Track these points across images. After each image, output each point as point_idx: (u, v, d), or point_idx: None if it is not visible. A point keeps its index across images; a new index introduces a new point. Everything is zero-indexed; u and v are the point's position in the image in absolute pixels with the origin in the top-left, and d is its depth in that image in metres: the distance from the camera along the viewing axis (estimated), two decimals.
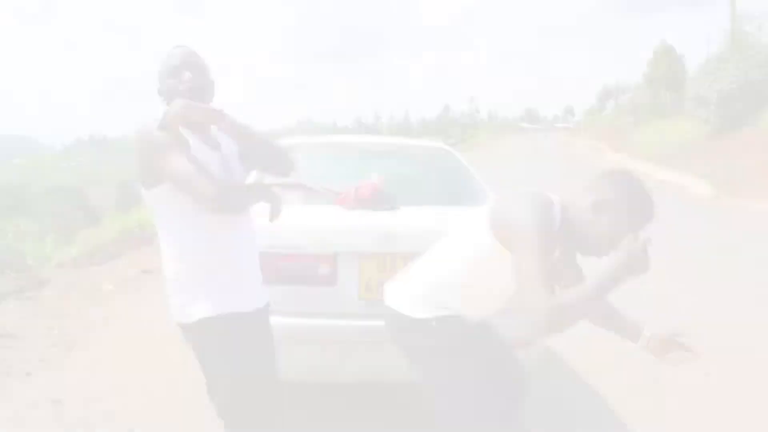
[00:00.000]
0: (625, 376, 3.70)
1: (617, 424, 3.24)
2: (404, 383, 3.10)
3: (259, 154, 2.03)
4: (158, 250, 2.06)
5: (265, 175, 3.35)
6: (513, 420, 1.96)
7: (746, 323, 4.72)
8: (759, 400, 3.42)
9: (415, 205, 3.41)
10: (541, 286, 1.68)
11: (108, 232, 14.33)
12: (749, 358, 4.02)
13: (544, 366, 3.37)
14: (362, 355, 2.71)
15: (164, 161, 1.83)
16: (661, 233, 1.89)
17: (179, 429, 3.14)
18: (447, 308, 1.99)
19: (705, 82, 21.19)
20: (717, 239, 8.62)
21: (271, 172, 2.12)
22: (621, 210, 1.79)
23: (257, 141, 2.01)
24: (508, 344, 2.18)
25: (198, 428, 3.12)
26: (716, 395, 3.54)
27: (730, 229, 9.74)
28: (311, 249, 2.71)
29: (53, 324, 5.04)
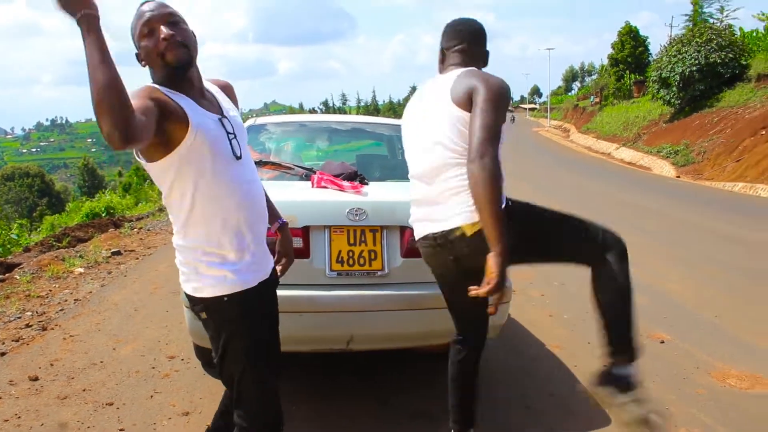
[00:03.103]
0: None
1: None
2: (375, 352, 3.25)
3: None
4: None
5: None
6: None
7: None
8: None
9: (382, 180, 3.54)
10: (494, 141, 1.96)
11: (74, 216, 14.19)
12: None
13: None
14: (334, 325, 2.82)
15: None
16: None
17: (156, 402, 3.24)
18: None
19: (667, 65, 21.65)
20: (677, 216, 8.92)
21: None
22: None
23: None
24: None
25: (173, 401, 3.24)
26: None
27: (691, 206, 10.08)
28: None
29: (26, 306, 5.06)
